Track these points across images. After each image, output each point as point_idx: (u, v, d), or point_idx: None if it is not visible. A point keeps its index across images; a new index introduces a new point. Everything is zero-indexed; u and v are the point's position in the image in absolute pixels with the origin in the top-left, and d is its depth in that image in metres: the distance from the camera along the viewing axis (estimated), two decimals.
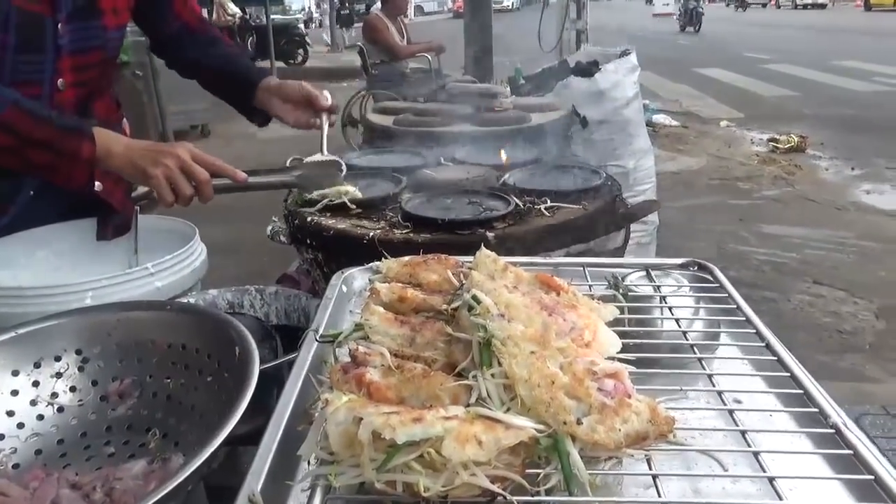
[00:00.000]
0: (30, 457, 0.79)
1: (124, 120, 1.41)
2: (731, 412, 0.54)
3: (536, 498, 0.44)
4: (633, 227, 2.54)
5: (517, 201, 1.03)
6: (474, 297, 0.55)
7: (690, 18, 21.44)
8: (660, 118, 7.36)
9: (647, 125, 6.97)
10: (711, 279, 0.76)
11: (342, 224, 1.01)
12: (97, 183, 1.24)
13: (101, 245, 1.34)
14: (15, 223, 1.24)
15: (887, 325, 2.99)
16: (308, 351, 0.67)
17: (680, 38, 18.90)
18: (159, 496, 0.52)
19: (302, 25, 14.65)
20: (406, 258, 0.73)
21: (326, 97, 1.27)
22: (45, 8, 1.12)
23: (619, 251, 1.08)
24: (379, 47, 5.93)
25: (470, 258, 0.75)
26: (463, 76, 1.76)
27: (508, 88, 2.46)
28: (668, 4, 27.42)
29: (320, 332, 0.69)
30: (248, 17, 13.02)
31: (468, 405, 0.48)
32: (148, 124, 6.54)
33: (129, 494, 0.68)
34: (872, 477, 0.47)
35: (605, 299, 0.70)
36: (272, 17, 12.07)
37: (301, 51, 14.01)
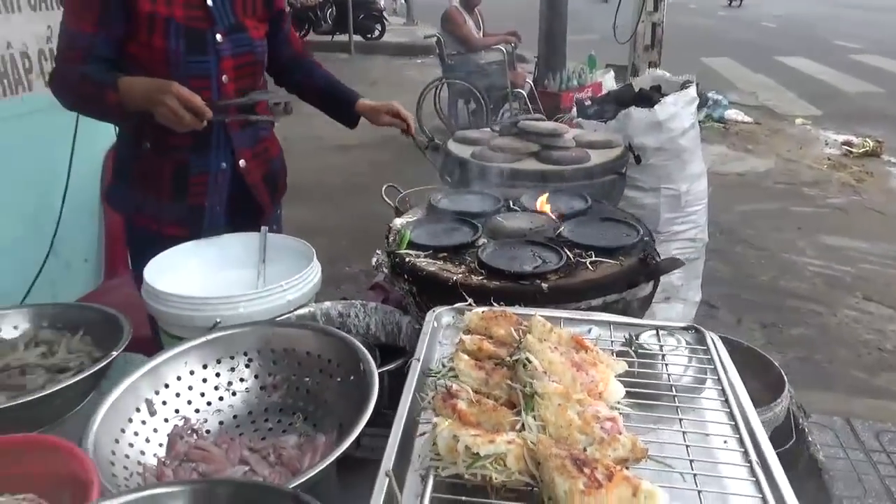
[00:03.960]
0: (216, 426, 1.15)
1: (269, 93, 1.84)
2: (687, 447, 0.83)
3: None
4: (683, 242, 2.76)
5: (568, 254, 1.31)
6: (527, 359, 0.86)
7: None
8: (731, 114, 7.32)
9: (718, 122, 6.99)
10: (705, 343, 1.03)
11: (432, 267, 1.33)
12: (243, 161, 1.70)
13: (234, 256, 1.71)
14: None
15: None
16: (413, 375, 0.99)
17: (765, 21, 18.12)
18: (331, 460, 0.86)
19: (381, 1, 14.92)
20: (483, 311, 1.04)
21: (407, 114, 1.79)
22: (203, 24, 1.56)
23: (648, 299, 1.35)
24: (455, 38, 6.18)
25: (528, 310, 1.06)
26: (533, 114, 1.98)
27: (576, 108, 2.69)
28: None
29: (421, 360, 1.01)
30: None
31: (519, 430, 0.79)
32: None
33: (293, 460, 1.02)
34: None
35: (622, 352, 1.00)
36: None
37: (378, 25, 14.29)
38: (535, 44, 7.28)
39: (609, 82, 7.06)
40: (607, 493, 0.68)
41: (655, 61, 6.84)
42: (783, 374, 1.76)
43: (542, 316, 1.00)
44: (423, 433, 0.84)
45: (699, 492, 0.75)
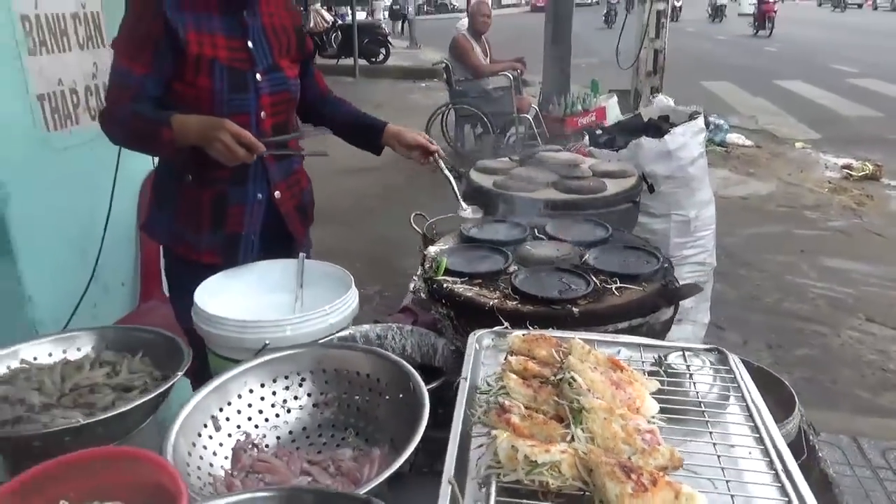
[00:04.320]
0: (273, 441, 1.24)
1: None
2: (718, 457, 0.93)
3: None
4: (692, 266, 2.86)
5: (595, 281, 1.41)
6: (572, 378, 0.96)
7: (763, 21, 20.71)
8: (733, 138, 7.47)
9: (720, 146, 7.14)
10: (728, 363, 1.13)
11: (469, 292, 1.43)
12: (278, 192, 1.81)
13: (274, 281, 1.80)
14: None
15: None
16: (463, 392, 1.08)
17: (766, 45, 18.45)
18: (395, 467, 0.95)
19: (385, 25, 15.26)
20: (524, 334, 1.14)
21: (432, 142, 1.88)
22: (244, 65, 1.67)
23: (669, 322, 1.45)
24: (463, 65, 6.34)
25: (564, 333, 1.15)
26: (546, 145, 2.10)
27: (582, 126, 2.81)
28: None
29: (468, 379, 1.11)
30: (337, 21, 13.69)
31: (570, 442, 0.88)
32: None
33: (352, 471, 1.11)
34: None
35: (652, 372, 1.10)
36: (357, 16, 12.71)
37: (383, 49, 14.56)
38: (540, 69, 7.47)
39: (613, 107, 7.23)
40: (653, 496, 0.78)
41: (658, 86, 7.02)
42: (794, 392, 1.85)
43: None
44: (480, 445, 0.93)
45: (731, 496, 0.85)
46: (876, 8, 36.35)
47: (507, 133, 6.70)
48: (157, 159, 2.21)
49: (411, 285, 1.53)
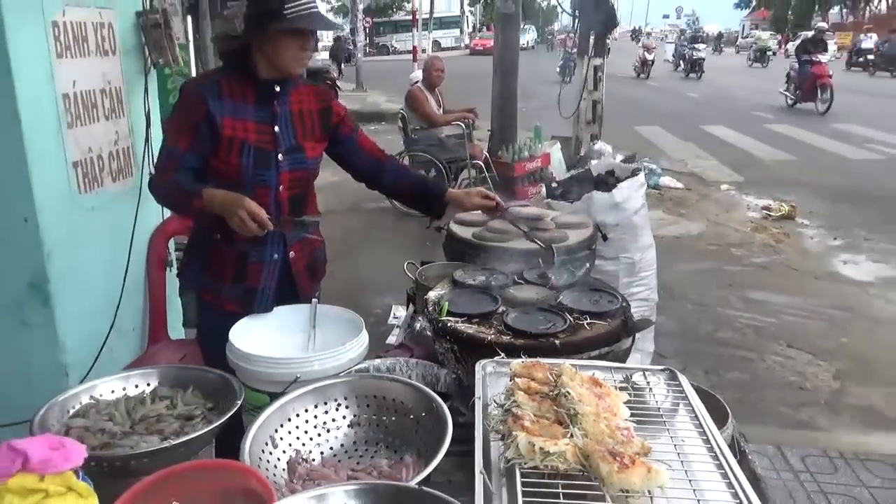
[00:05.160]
0: (318, 456, 1.52)
1: (319, 215, 2.18)
2: (674, 447, 1.27)
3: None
4: (639, 301, 3.26)
5: (570, 318, 1.76)
6: (567, 392, 1.29)
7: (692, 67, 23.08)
8: (666, 180, 8.10)
9: (654, 188, 7.73)
10: (677, 380, 1.48)
11: (469, 329, 1.74)
12: (292, 253, 2.05)
13: (289, 324, 2.07)
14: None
15: (841, 386, 3.69)
16: (479, 408, 1.39)
17: (689, 90, 19.77)
18: (435, 463, 1.24)
19: (332, 69, 15.63)
20: (522, 362, 1.46)
21: (496, 200, 2.13)
22: (270, 146, 1.94)
23: (629, 349, 1.80)
24: (418, 115, 6.74)
25: (552, 360, 1.49)
26: (518, 203, 2.44)
27: (544, 191, 3.19)
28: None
29: (484, 398, 1.42)
30: None
31: (570, 438, 1.20)
32: None
33: (392, 475, 1.39)
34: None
35: (622, 387, 1.44)
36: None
37: (332, 93, 14.89)
38: (487, 113, 7.98)
39: (556, 153, 7.77)
40: (632, 472, 1.11)
41: (597, 134, 7.62)
42: (727, 407, 2.24)
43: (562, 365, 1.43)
44: (500, 443, 1.24)
45: (686, 471, 1.19)
46: (788, 55, 39.33)
47: (460, 177, 7.12)
48: (167, 214, 2.47)
49: (417, 325, 1.83)
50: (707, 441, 1.29)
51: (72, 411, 1.55)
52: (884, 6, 46.96)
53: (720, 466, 1.21)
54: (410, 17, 25.82)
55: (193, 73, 4.30)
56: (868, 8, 49.03)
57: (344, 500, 1.12)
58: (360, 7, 19.36)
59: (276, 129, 1.94)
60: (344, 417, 1.58)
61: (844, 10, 51.27)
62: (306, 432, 1.54)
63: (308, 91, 2.02)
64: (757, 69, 28.73)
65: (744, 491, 1.12)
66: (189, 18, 4.65)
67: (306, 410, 1.56)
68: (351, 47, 19.69)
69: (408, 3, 33.76)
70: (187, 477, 1.26)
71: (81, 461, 1.15)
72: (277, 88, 1.92)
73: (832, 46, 31.19)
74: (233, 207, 1.78)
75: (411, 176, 2.20)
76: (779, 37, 42.54)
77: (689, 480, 1.17)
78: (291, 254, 2.07)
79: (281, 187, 1.97)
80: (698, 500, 1.12)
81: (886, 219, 6.80)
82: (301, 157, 2.00)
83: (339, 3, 40.56)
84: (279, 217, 1.98)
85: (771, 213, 7.00)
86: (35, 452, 1.10)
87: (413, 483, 1.24)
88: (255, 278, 2.03)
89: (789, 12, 52.37)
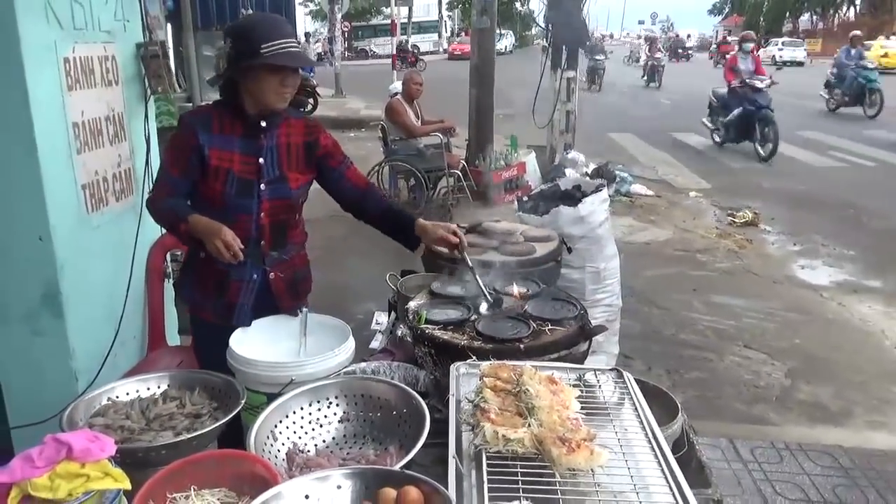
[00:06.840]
0: (313, 448, 1.73)
1: (306, 244, 2.36)
2: (616, 434, 1.50)
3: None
4: (603, 307, 3.51)
5: (534, 325, 2.00)
6: (526, 389, 1.52)
7: (652, 75, 22.88)
8: (636, 188, 8.39)
9: (625, 196, 8.03)
10: (623, 378, 1.73)
11: (445, 336, 1.97)
12: (272, 274, 2.22)
13: (282, 332, 2.28)
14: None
15: (792, 383, 3.98)
16: (453, 404, 1.62)
17: (662, 97, 20.20)
18: (415, 450, 1.47)
19: (313, 77, 15.76)
20: (490, 363, 1.70)
21: (458, 237, 2.16)
22: (253, 176, 2.10)
23: (586, 352, 2.04)
24: (398, 126, 6.97)
25: (515, 362, 1.72)
26: (495, 220, 2.63)
27: (517, 209, 3.43)
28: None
29: (457, 395, 1.65)
30: None
31: (528, 427, 1.43)
32: None
33: (378, 462, 1.61)
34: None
35: (575, 384, 1.68)
36: None
37: (311, 100, 14.99)
38: (465, 119, 8.23)
39: (531, 162, 8.04)
40: (577, 454, 1.34)
41: (570, 143, 7.90)
42: (678, 403, 2.49)
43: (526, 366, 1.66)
44: (469, 433, 1.47)
45: (623, 454, 1.43)
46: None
47: (439, 186, 7.36)
48: (163, 231, 2.67)
49: (399, 332, 2.05)
50: (645, 430, 1.53)
51: (92, 411, 1.75)
52: (852, 13, 48.28)
53: (652, 450, 1.45)
54: (389, 22, 26.04)
55: (177, 85, 4.47)
56: (837, 15, 50.35)
57: (340, 481, 1.33)
58: (339, 15, 19.51)
59: (261, 160, 2.07)
60: (335, 414, 1.80)
61: (815, 17, 52.61)
62: (302, 427, 1.75)
63: (298, 124, 2.19)
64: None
65: (670, 469, 1.37)
66: (169, 26, 4.79)
67: (302, 408, 1.77)
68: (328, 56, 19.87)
69: (386, 7, 33.93)
70: (203, 465, 1.47)
71: (114, 451, 1.36)
72: (263, 123, 2.07)
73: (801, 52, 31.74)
74: (210, 236, 1.93)
75: (384, 206, 2.28)
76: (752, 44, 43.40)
77: (626, 461, 1.41)
78: (272, 275, 2.22)
79: (262, 214, 2.10)
80: (632, 476, 1.36)
81: (841, 224, 7.16)
82: (284, 186, 2.12)
83: (318, 8, 40.59)
84: (258, 246, 2.15)
85: (735, 220, 7.30)
86: (77, 443, 1.31)
87: (399, 465, 1.47)
88: (234, 294, 2.18)
89: (761, 19, 53.54)
